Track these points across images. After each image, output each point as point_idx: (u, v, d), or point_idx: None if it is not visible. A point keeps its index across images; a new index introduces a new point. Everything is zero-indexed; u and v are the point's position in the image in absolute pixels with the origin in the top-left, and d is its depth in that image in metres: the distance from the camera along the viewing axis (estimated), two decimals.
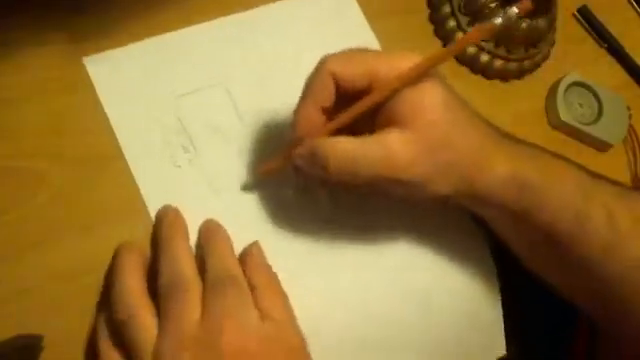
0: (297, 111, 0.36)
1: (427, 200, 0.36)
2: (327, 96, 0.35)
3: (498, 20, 0.31)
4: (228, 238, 0.38)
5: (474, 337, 0.43)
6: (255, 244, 0.38)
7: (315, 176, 0.36)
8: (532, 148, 0.38)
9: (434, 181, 0.35)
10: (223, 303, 0.33)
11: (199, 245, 0.38)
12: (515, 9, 0.31)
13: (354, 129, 0.35)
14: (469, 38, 0.38)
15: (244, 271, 0.37)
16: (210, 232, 0.38)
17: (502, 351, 0.43)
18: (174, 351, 0.31)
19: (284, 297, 0.36)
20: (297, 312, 0.36)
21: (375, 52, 0.35)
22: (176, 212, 0.38)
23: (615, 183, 0.39)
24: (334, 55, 0.35)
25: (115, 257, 0.36)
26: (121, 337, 0.33)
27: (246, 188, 0.41)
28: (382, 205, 0.42)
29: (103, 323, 0.34)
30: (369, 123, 0.35)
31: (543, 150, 0.39)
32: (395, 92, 0.34)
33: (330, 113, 0.35)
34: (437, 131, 0.34)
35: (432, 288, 0.42)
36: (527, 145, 0.38)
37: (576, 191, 0.36)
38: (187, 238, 0.37)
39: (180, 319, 0.32)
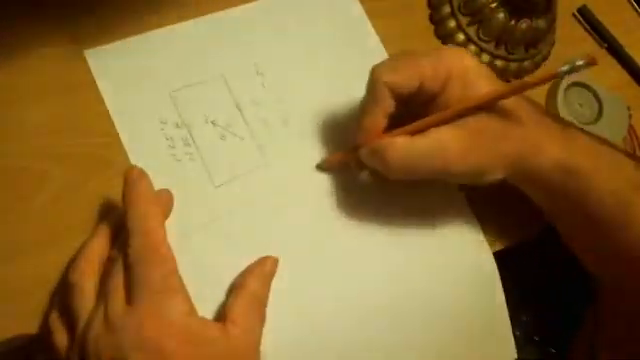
0: (362, 120, 0.38)
1: (483, 185, 0.38)
2: (388, 105, 0.37)
3: (564, 68, 0.33)
4: (148, 192, 0.35)
5: (483, 343, 0.42)
6: (273, 260, 0.38)
7: (379, 172, 0.38)
8: (585, 136, 0.39)
9: (488, 170, 0.37)
10: (146, 291, 0.32)
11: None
12: (582, 60, 0.33)
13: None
14: (545, 78, 0.36)
15: (247, 273, 0.37)
16: (129, 189, 0.35)
17: (513, 355, 0.43)
18: (99, 330, 0.32)
19: (260, 317, 0.36)
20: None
21: (419, 54, 0.37)
22: (140, 173, 0.36)
23: None
24: (383, 65, 0.38)
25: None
26: (66, 299, 0.34)
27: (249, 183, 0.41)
28: (388, 205, 0.43)
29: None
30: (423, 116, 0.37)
31: (593, 137, 0.39)
32: (462, 113, 0.36)
33: (390, 116, 0.38)
34: (488, 126, 0.36)
35: (436, 294, 0.42)
36: (580, 131, 0.39)
37: (624, 180, 0.37)
38: (148, 203, 0.35)
39: (112, 299, 0.32)
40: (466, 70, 0.37)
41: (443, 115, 0.36)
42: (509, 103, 0.36)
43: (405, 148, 0.36)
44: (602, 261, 0.40)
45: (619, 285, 0.40)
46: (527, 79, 0.35)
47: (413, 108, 0.38)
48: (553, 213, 0.41)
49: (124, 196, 0.35)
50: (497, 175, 0.38)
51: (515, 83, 0.36)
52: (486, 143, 0.36)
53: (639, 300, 0.39)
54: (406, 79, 0.36)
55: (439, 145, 0.36)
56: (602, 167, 0.38)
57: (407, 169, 0.37)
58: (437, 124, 0.36)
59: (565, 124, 0.40)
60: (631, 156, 0.39)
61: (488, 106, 0.36)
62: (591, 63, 0.33)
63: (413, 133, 0.37)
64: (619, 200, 0.37)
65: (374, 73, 0.37)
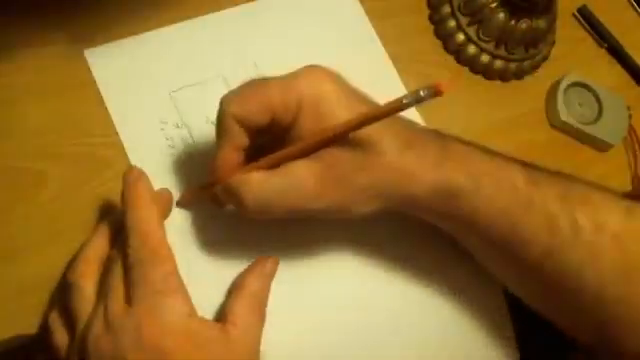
0: (215, 156, 0.35)
1: (359, 218, 0.35)
2: (238, 139, 0.34)
3: (406, 100, 0.30)
4: (147, 192, 0.35)
5: (484, 345, 0.42)
6: (273, 260, 0.38)
7: (240, 211, 0.35)
8: (466, 149, 0.36)
9: (350, 205, 0.34)
10: (145, 291, 0.32)
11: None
12: (425, 90, 0.29)
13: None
14: (389, 109, 0.31)
15: (247, 274, 0.37)
16: (128, 190, 0.34)
17: (516, 357, 0.43)
18: (99, 330, 0.32)
19: (260, 317, 0.35)
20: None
21: (270, 83, 0.34)
22: (138, 173, 0.35)
23: (567, 181, 0.36)
24: (229, 97, 0.34)
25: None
26: (66, 299, 0.34)
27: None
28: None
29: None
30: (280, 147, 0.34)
31: (480, 150, 0.36)
32: (315, 146, 0.33)
33: (248, 148, 0.35)
34: (344, 159, 0.33)
35: (436, 295, 0.42)
36: (460, 145, 0.36)
37: (512, 196, 0.35)
38: (147, 203, 0.35)
39: (111, 299, 0.32)
40: (319, 98, 0.33)
41: (295, 149, 0.33)
42: (369, 131, 0.32)
43: (259, 186, 0.33)
44: (518, 282, 0.39)
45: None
46: (371, 111, 0.31)
47: (275, 137, 0.35)
48: (456, 236, 0.38)
49: (123, 196, 0.35)
50: (363, 209, 0.34)
51: (360, 115, 0.32)
52: (342, 177, 0.33)
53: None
54: (254, 111, 0.33)
55: (294, 182, 0.33)
56: (484, 185, 0.34)
57: (263, 208, 0.34)
58: (291, 158, 0.33)
59: (442, 139, 0.35)
60: (519, 162, 0.36)
61: (341, 137, 0.32)
62: (437, 94, 0.28)
63: (268, 167, 0.34)
64: (509, 221, 0.34)
65: (221, 104, 0.34)
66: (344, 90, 0.34)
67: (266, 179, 0.33)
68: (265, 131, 0.34)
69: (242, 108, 0.33)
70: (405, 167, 0.33)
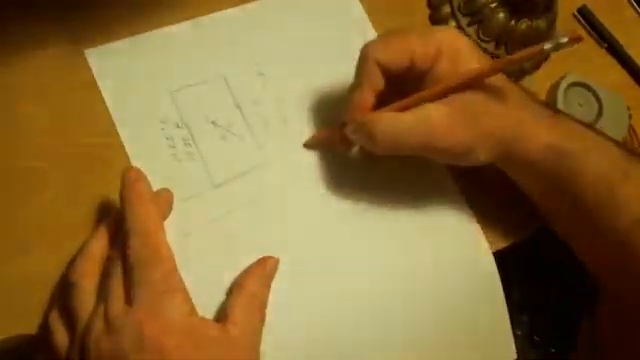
0: (352, 97, 0.38)
1: (470, 165, 0.39)
2: (377, 82, 0.37)
3: (547, 45, 0.33)
4: (147, 192, 0.35)
5: (482, 343, 0.42)
6: (274, 260, 0.38)
7: (366, 148, 0.39)
8: (571, 120, 0.39)
9: (474, 149, 0.37)
10: (145, 291, 0.32)
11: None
12: (565, 38, 0.32)
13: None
14: (529, 53, 0.36)
15: (247, 274, 0.37)
16: (127, 190, 0.35)
17: (513, 356, 0.43)
18: (99, 330, 0.32)
19: (260, 317, 0.36)
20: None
21: (410, 32, 0.38)
22: (137, 173, 0.36)
23: None
24: (374, 42, 0.38)
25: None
26: (66, 299, 0.34)
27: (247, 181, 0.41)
28: (387, 205, 0.43)
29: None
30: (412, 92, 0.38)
31: (583, 123, 0.39)
32: (449, 91, 0.36)
33: (380, 94, 0.38)
34: (473, 103, 0.36)
35: (435, 294, 0.42)
36: (566, 116, 0.39)
37: (612, 164, 0.37)
38: (146, 203, 0.35)
39: (111, 299, 0.32)
40: (456, 48, 0.37)
41: (430, 92, 0.37)
42: (495, 82, 0.36)
43: (391, 122, 0.37)
44: (596, 251, 0.40)
45: (619, 291, 0.40)
46: (510, 56, 0.35)
47: (403, 86, 0.38)
48: (543, 200, 0.41)
49: (122, 197, 0.35)
50: (482, 155, 0.38)
51: (499, 61, 0.36)
52: (470, 120, 0.36)
53: (637, 309, 0.38)
54: (397, 56, 0.37)
55: (425, 120, 0.36)
56: (591, 149, 0.37)
57: (393, 144, 0.37)
58: (424, 101, 0.36)
59: (552, 109, 0.39)
60: (616, 142, 0.39)
61: (474, 83, 0.36)
62: (575, 39, 0.32)
63: (401, 110, 0.37)
64: (608, 185, 0.37)
65: (365, 50, 0.38)
66: (475, 46, 0.38)
67: (397, 116, 0.37)
68: (400, 78, 0.38)
69: (386, 54, 0.37)
70: (524, 120, 0.37)
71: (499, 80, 0.37)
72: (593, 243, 0.40)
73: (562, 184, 0.38)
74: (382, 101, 0.39)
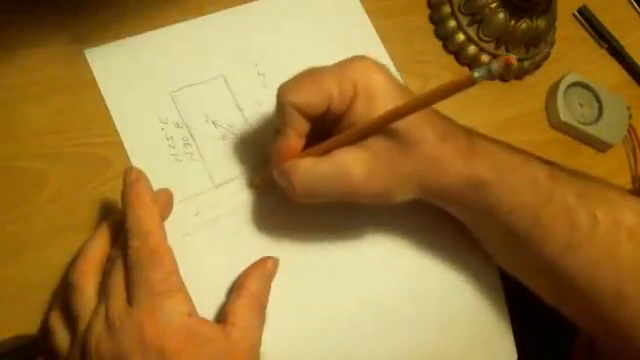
0: (275, 143, 0.36)
1: (394, 205, 0.37)
2: (299, 125, 0.35)
3: (477, 73, 0.29)
4: (147, 193, 0.35)
5: (483, 344, 0.42)
6: (274, 261, 0.38)
7: (290, 195, 0.36)
8: (492, 145, 0.37)
9: (393, 192, 0.36)
10: (146, 291, 0.32)
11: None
12: (496, 64, 0.29)
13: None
14: (455, 85, 0.31)
15: (247, 274, 0.37)
16: (128, 190, 0.35)
17: (514, 356, 0.43)
18: (99, 330, 0.32)
19: (260, 318, 0.36)
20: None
21: (324, 72, 0.35)
22: (138, 174, 0.36)
23: (585, 179, 0.38)
24: (287, 85, 0.36)
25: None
26: (67, 299, 0.34)
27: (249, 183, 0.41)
28: (385, 213, 0.42)
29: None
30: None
31: (504, 147, 0.37)
32: (364, 134, 0.34)
33: (307, 134, 0.36)
34: (388, 147, 0.34)
35: (436, 296, 0.42)
36: (487, 141, 0.37)
37: (534, 188, 0.36)
38: (147, 204, 0.35)
39: (112, 300, 0.32)
40: (371, 87, 0.35)
41: (345, 136, 0.35)
42: (410, 120, 0.33)
43: (307, 172, 0.35)
44: (544, 286, 0.39)
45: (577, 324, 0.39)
46: (432, 90, 0.32)
47: (328, 124, 0.36)
48: (477, 232, 0.40)
49: (123, 197, 0.35)
50: (405, 196, 0.36)
51: (416, 98, 0.33)
52: (386, 165, 0.35)
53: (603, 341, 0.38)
54: (313, 100, 0.35)
55: (341, 169, 0.34)
56: (509, 178, 0.36)
57: (310, 193, 0.35)
58: (342, 144, 0.35)
59: (471, 134, 0.37)
60: (542, 161, 0.37)
61: (387, 125, 0.34)
62: (506, 61, 0.29)
63: (322, 153, 0.35)
64: (533, 212, 0.35)
65: (279, 93, 0.36)
66: (392, 81, 0.36)
67: (314, 165, 0.35)
68: (319, 119, 0.36)
69: (301, 97, 0.35)
70: (441, 157, 0.35)
71: (419, 115, 0.33)
72: (528, 270, 0.39)
73: (485, 214, 0.36)
74: (316, 137, 0.36)
